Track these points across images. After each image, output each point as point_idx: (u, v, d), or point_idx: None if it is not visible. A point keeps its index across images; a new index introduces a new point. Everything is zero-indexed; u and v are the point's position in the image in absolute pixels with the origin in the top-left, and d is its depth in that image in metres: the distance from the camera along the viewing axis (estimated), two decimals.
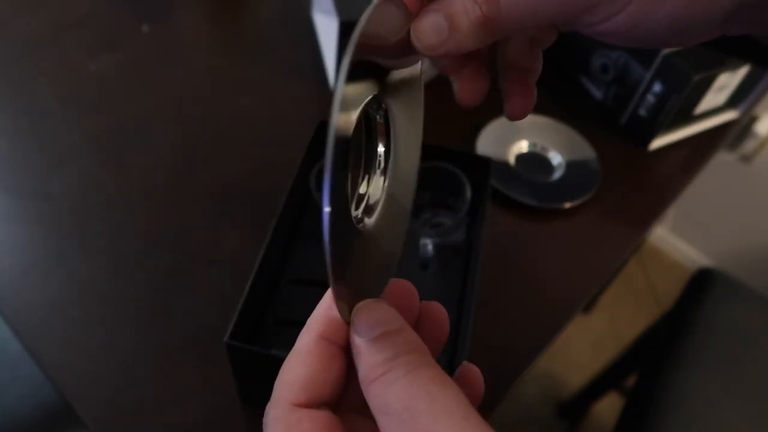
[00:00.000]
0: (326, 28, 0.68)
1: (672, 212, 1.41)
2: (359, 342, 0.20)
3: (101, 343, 0.47)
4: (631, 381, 0.84)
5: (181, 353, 0.47)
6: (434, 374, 0.19)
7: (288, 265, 0.49)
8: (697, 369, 0.72)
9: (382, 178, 0.25)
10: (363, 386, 0.19)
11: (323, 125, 0.50)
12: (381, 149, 0.25)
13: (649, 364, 0.77)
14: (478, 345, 0.42)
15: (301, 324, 0.23)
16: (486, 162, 0.51)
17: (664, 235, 1.54)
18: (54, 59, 0.68)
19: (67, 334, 0.47)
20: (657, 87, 0.64)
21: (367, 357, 0.19)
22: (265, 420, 0.20)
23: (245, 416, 0.44)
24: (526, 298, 0.54)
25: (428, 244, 0.49)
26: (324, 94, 0.68)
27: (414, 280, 0.48)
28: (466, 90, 0.27)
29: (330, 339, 0.21)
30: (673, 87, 0.63)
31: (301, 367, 0.21)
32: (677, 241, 1.53)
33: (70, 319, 0.48)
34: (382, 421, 0.19)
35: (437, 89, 0.70)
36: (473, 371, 0.23)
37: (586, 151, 0.65)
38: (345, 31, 0.62)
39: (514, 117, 0.28)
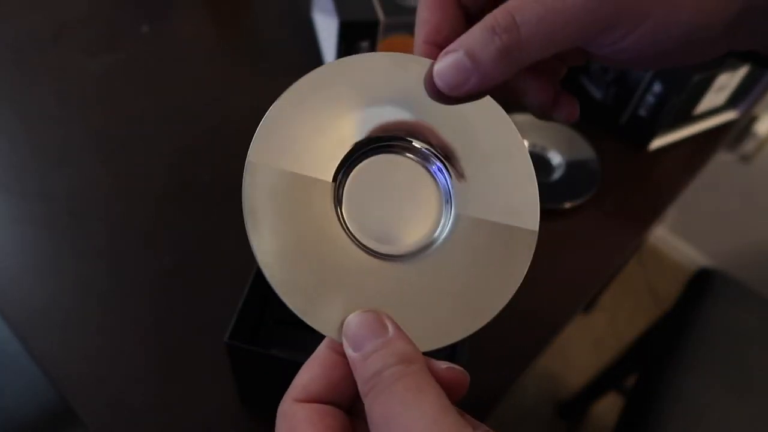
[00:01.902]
0: (326, 28, 0.68)
1: (672, 212, 1.41)
2: (352, 356, 0.21)
3: (101, 344, 0.47)
4: (631, 381, 0.84)
5: (181, 353, 0.47)
6: (411, 383, 0.20)
7: None
8: (697, 369, 0.72)
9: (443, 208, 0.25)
10: (363, 400, 0.21)
11: None
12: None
13: (649, 364, 0.77)
14: (477, 345, 0.42)
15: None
16: None
17: (664, 235, 1.54)
18: (54, 59, 0.68)
19: (67, 335, 0.47)
20: (657, 87, 0.64)
21: (359, 373, 0.21)
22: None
23: (245, 416, 0.44)
24: (526, 298, 0.54)
25: None
26: None
27: None
28: (564, 111, 0.28)
29: (335, 349, 0.23)
30: (673, 87, 0.63)
31: (305, 371, 0.23)
32: (677, 241, 1.53)
33: (70, 319, 0.48)
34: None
35: None
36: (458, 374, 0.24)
37: (586, 151, 0.65)
38: (345, 31, 0.62)
39: (569, 120, 0.29)
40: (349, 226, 0.24)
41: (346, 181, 0.25)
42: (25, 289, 0.49)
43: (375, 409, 0.20)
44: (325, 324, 0.22)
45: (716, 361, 0.73)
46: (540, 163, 0.64)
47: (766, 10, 0.24)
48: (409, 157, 0.25)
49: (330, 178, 0.24)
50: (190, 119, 0.64)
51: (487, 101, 0.26)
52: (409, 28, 0.63)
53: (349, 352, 0.21)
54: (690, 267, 1.49)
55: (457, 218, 0.25)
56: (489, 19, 0.23)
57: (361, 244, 0.24)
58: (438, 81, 0.24)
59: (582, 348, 1.36)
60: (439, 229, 0.25)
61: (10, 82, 0.65)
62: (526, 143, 0.26)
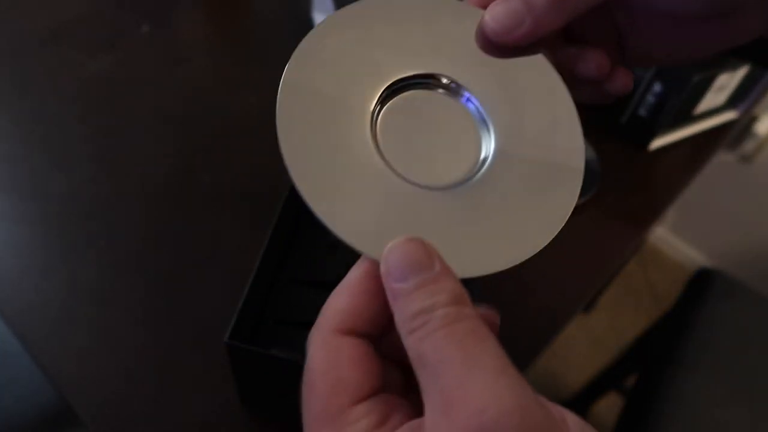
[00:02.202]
0: None
1: (672, 212, 1.41)
2: (394, 287, 0.20)
3: (101, 343, 0.47)
4: (631, 381, 0.84)
5: (180, 353, 0.47)
6: (471, 328, 0.18)
7: (288, 265, 0.49)
8: (697, 369, 0.72)
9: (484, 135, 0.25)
10: (400, 333, 0.19)
11: None
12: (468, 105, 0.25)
13: (649, 364, 0.77)
14: None
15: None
16: None
17: (664, 235, 1.54)
18: (54, 59, 0.68)
19: (67, 334, 0.47)
20: (657, 87, 0.64)
21: (403, 306, 0.19)
22: (308, 342, 0.21)
23: (245, 416, 0.44)
24: (526, 298, 0.54)
25: None
26: None
27: None
28: (619, 82, 0.28)
29: (376, 276, 0.21)
30: (673, 87, 0.62)
31: (344, 298, 0.21)
32: (677, 241, 1.53)
33: (69, 319, 0.48)
34: (419, 372, 0.19)
35: None
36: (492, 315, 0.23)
37: (586, 150, 0.65)
38: None
39: (624, 91, 0.28)
40: (386, 155, 0.23)
41: (381, 112, 0.24)
42: (25, 289, 0.49)
43: (426, 348, 0.18)
44: (366, 243, 0.21)
45: (716, 360, 0.73)
46: None
47: None
48: (446, 94, 0.25)
49: (369, 107, 0.24)
50: (190, 119, 0.64)
51: (539, 60, 0.26)
52: None
53: (389, 282, 0.20)
54: (690, 267, 1.49)
55: (499, 152, 0.24)
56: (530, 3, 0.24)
57: (399, 173, 0.23)
58: (490, 24, 0.24)
59: (582, 348, 1.36)
60: (479, 162, 0.24)
61: (9, 81, 0.65)
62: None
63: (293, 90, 0.24)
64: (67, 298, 0.49)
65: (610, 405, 1.19)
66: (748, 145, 1.24)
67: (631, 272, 1.50)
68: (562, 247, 0.61)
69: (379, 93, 0.24)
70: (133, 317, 0.49)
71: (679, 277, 1.06)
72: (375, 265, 0.21)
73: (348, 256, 0.51)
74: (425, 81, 0.25)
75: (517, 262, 0.23)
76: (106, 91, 0.65)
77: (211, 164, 0.60)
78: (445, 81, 0.25)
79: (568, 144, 0.26)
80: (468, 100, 0.25)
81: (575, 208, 0.25)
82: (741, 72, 0.65)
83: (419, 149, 0.24)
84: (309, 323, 0.40)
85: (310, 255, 0.50)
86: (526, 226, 0.24)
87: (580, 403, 1.20)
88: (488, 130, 0.25)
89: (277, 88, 0.25)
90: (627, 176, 0.66)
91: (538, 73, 0.26)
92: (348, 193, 0.22)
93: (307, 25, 0.75)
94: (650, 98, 0.65)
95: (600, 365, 1.13)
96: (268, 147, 0.67)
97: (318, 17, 0.73)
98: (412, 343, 0.19)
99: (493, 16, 0.24)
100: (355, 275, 0.22)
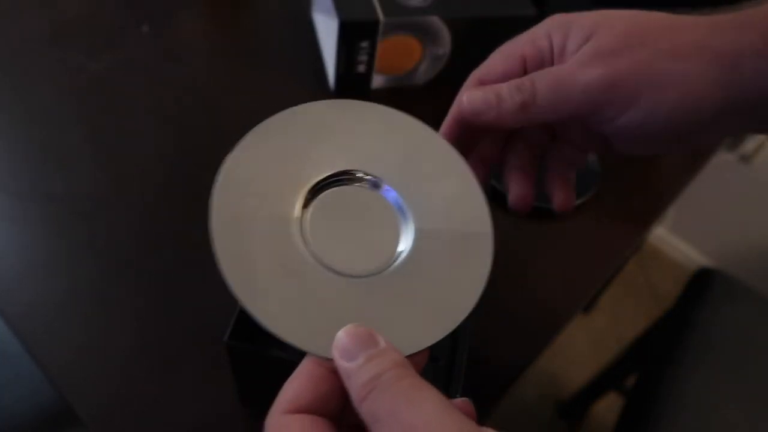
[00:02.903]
0: (326, 28, 0.68)
1: (672, 212, 1.41)
2: (346, 366, 0.22)
3: (101, 343, 0.47)
4: (631, 381, 0.84)
5: (181, 353, 0.47)
6: (413, 382, 0.21)
7: None
8: (697, 369, 0.72)
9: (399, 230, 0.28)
10: (356, 406, 0.22)
11: None
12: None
13: (649, 364, 0.77)
14: (477, 345, 0.42)
15: None
16: None
17: (664, 235, 1.54)
18: (54, 59, 0.68)
19: (67, 334, 0.47)
20: None
21: (356, 379, 0.22)
22: (264, 426, 0.23)
23: (245, 416, 0.44)
24: (526, 298, 0.54)
25: None
26: (323, 94, 0.68)
27: None
28: (516, 197, 0.35)
29: (321, 364, 0.24)
30: None
31: (290, 386, 0.24)
32: (677, 241, 1.53)
33: (70, 319, 0.48)
34: (373, 429, 0.21)
35: (437, 89, 0.70)
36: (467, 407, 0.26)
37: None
38: (345, 31, 0.62)
39: (562, 209, 0.35)
40: (315, 252, 0.26)
41: (308, 212, 0.27)
42: (25, 289, 0.49)
43: (378, 407, 0.21)
44: (312, 344, 0.24)
45: (716, 360, 0.73)
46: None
47: (756, 100, 0.27)
48: (361, 187, 0.28)
49: (295, 210, 0.26)
50: (190, 119, 0.64)
51: (438, 141, 0.30)
52: (409, 29, 0.63)
53: (342, 363, 0.23)
54: (690, 267, 1.49)
55: (417, 232, 0.27)
56: (518, 80, 0.31)
57: (330, 267, 0.25)
58: (465, 104, 0.31)
59: (582, 348, 1.36)
60: (401, 244, 0.27)
61: (9, 81, 0.65)
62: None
63: (224, 209, 0.27)
64: (67, 298, 0.49)
65: (610, 405, 1.19)
66: (748, 145, 1.24)
67: (631, 272, 1.50)
68: (562, 247, 0.62)
69: (303, 196, 0.27)
70: (133, 317, 0.49)
71: (679, 277, 1.06)
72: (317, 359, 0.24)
73: None
74: (343, 178, 0.28)
75: (450, 330, 0.25)
76: (106, 91, 0.65)
77: (211, 164, 0.60)
78: (360, 175, 0.28)
79: (475, 212, 0.29)
80: (383, 189, 0.28)
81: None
82: None
83: (345, 241, 0.26)
84: None
85: None
86: (452, 295, 0.26)
87: (580, 403, 1.20)
88: (405, 214, 0.28)
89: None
90: (627, 176, 0.66)
91: (440, 154, 0.30)
92: (284, 295, 0.24)
93: (307, 25, 0.75)
94: None
95: (600, 365, 1.13)
96: None
97: (318, 17, 0.73)
98: (366, 408, 0.21)
99: (470, 98, 0.31)
100: (303, 364, 0.25)
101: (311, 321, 0.24)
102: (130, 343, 0.47)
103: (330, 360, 0.23)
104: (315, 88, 0.68)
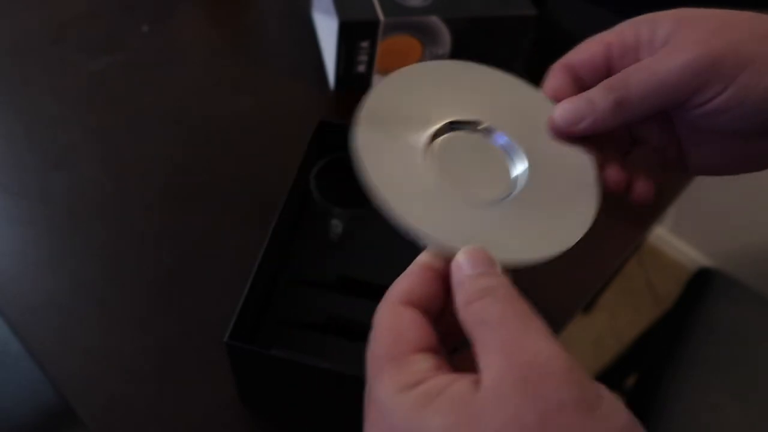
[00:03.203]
0: (326, 28, 0.68)
1: (672, 212, 1.41)
2: (463, 273, 0.24)
3: (101, 343, 0.47)
4: (631, 381, 0.84)
5: (180, 353, 0.47)
6: (526, 307, 0.23)
7: (288, 265, 0.49)
8: (697, 369, 0.72)
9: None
10: (460, 309, 0.23)
11: (323, 125, 0.50)
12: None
13: (649, 364, 0.77)
14: None
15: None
16: None
17: (664, 235, 1.54)
18: (54, 59, 0.68)
19: (67, 334, 0.47)
20: None
21: (469, 286, 0.24)
22: (376, 312, 0.25)
23: (245, 416, 0.44)
24: (526, 298, 0.54)
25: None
26: (324, 94, 0.68)
27: None
28: (639, 193, 0.35)
29: (434, 267, 0.26)
30: None
31: (407, 278, 0.26)
32: (677, 241, 1.53)
33: (70, 319, 0.48)
34: (478, 332, 0.22)
35: None
36: None
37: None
38: (345, 31, 0.62)
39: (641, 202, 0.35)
40: (443, 179, 0.29)
41: (434, 147, 0.31)
42: (25, 289, 0.49)
43: (489, 311, 0.22)
44: (439, 239, 0.26)
45: (716, 360, 0.73)
46: None
47: None
48: (481, 133, 0.32)
49: (424, 143, 0.30)
50: (190, 119, 0.64)
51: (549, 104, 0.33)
52: (409, 28, 0.63)
53: (459, 272, 0.24)
54: (690, 267, 1.49)
55: (530, 173, 0.31)
56: (607, 81, 0.31)
57: (456, 191, 0.29)
58: (557, 120, 0.32)
59: (582, 348, 1.36)
60: (516, 182, 0.31)
61: (9, 81, 0.65)
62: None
63: (366, 135, 0.29)
64: (67, 298, 0.49)
65: None
66: None
67: (631, 272, 1.50)
68: None
69: (431, 133, 0.31)
70: (133, 317, 0.49)
71: (679, 277, 1.06)
72: (436, 259, 0.26)
73: (347, 256, 0.51)
74: (464, 124, 0.32)
75: (555, 254, 0.29)
76: (106, 91, 0.65)
77: (211, 164, 0.60)
78: (481, 126, 0.32)
79: (581, 165, 0.32)
80: (499, 138, 0.32)
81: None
82: None
83: (467, 174, 0.31)
84: (309, 323, 0.41)
85: (310, 255, 0.50)
86: (560, 228, 0.30)
87: None
88: (517, 161, 0.31)
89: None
90: None
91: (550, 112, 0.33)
92: (422, 205, 0.28)
93: (307, 25, 0.75)
94: None
95: (600, 365, 1.13)
96: (268, 147, 0.68)
97: (318, 17, 0.73)
98: (474, 308, 0.23)
99: (561, 113, 0.32)
100: (417, 265, 0.26)
101: (443, 226, 0.27)
102: (130, 343, 0.47)
103: (449, 259, 0.25)
104: (315, 88, 0.68)
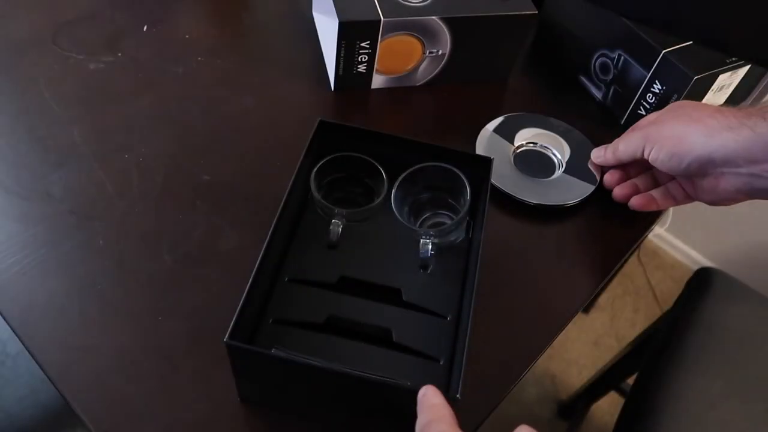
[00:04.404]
0: (326, 28, 0.68)
1: (672, 212, 1.41)
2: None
3: (101, 343, 0.47)
4: (631, 381, 0.84)
5: (180, 353, 0.47)
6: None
7: (288, 265, 0.49)
8: (697, 369, 0.72)
9: None
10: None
11: (323, 125, 0.50)
12: None
13: (649, 364, 0.77)
14: (477, 345, 0.42)
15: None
16: (486, 162, 0.51)
17: (664, 235, 1.54)
18: (54, 59, 0.68)
19: (67, 334, 0.47)
20: (657, 87, 0.64)
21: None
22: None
23: (245, 416, 0.44)
24: (526, 298, 0.54)
25: (428, 244, 0.49)
26: (324, 94, 0.68)
27: (414, 280, 0.48)
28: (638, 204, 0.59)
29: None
30: (673, 87, 0.63)
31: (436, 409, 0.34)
32: (677, 241, 1.53)
33: (70, 319, 0.48)
34: None
35: (437, 89, 0.70)
36: None
37: (586, 150, 0.65)
38: (345, 31, 0.62)
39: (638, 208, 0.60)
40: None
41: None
42: (25, 289, 0.49)
43: None
44: None
45: (716, 360, 0.73)
46: (540, 162, 0.64)
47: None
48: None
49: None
50: (190, 119, 0.64)
51: None
52: (409, 28, 0.63)
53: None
54: (690, 267, 1.49)
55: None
56: (607, 149, 0.61)
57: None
58: (592, 157, 0.63)
59: (582, 348, 1.36)
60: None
61: (9, 82, 0.65)
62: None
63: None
64: (67, 298, 0.49)
65: (610, 405, 1.19)
66: None
67: (631, 272, 1.50)
68: (562, 246, 0.61)
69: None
70: (133, 317, 0.49)
71: (679, 277, 1.06)
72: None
73: (347, 256, 0.51)
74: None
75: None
76: (106, 91, 0.65)
77: (211, 164, 0.60)
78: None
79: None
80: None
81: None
82: (741, 72, 0.65)
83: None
84: (308, 323, 0.41)
85: (310, 255, 0.50)
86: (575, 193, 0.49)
87: (580, 403, 1.20)
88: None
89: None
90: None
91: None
92: None
93: (307, 25, 0.75)
94: (650, 98, 0.65)
95: (600, 365, 1.13)
96: (269, 146, 0.68)
97: (318, 17, 0.73)
98: None
99: (593, 153, 0.63)
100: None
101: None
102: (130, 343, 0.47)
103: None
104: (315, 88, 0.68)
